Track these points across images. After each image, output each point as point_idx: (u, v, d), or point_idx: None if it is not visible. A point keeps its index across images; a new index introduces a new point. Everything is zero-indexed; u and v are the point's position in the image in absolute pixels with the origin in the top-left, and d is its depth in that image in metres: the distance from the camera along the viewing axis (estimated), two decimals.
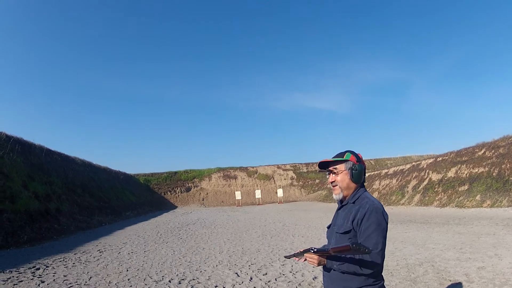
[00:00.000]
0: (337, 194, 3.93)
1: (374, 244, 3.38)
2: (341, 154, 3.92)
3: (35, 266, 14.06)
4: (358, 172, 3.80)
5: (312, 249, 3.63)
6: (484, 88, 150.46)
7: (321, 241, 17.74)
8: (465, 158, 37.97)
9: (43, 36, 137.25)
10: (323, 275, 3.91)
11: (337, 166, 3.90)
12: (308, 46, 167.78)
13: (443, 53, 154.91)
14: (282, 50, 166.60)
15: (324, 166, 4.02)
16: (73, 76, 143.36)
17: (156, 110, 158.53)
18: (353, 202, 3.75)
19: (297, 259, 3.80)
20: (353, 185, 3.84)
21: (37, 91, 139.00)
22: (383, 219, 3.52)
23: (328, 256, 3.58)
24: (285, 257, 4.12)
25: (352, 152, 3.91)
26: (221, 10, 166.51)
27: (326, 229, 4.19)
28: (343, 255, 3.46)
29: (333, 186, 3.96)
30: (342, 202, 3.96)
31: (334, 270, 3.56)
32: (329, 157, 4.00)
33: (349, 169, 3.82)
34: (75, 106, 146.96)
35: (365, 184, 4.00)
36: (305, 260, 3.74)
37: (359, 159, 3.87)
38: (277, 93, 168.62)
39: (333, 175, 3.92)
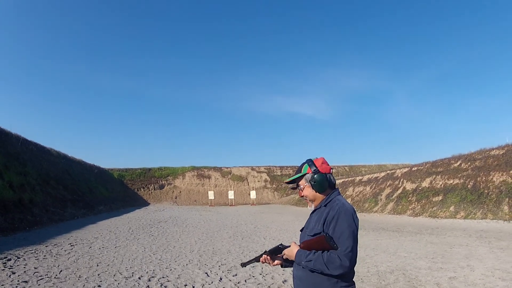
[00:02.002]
0: (310, 206, 3.99)
1: (342, 245, 3.38)
2: (300, 168, 3.96)
3: (6, 257, 14.00)
4: (318, 182, 3.78)
5: (280, 245, 3.81)
6: (462, 102, 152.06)
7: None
8: (441, 169, 38.38)
9: (25, 24, 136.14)
10: (293, 277, 3.91)
11: (299, 183, 3.96)
12: (292, 50, 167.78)
13: (424, 66, 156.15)
14: (265, 52, 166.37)
15: (292, 181, 4.08)
16: (54, 67, 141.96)
17: (134, 105, 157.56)
18: (325, 205, 3.76)
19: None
20: (320, 195, 3.85)
21: (15, 79, 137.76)
22: (353, 221, 3.52)
23: (298, 250, 3.64)
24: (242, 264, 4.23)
25: (309, 162, 3.92)
26: (207, 10, 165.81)
27: (300, 232, 4.18)
28: (312, 250, 3.51)
29: (305, 200, 4.03)
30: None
31: (302, 266, 3.58)
32: (302, 160, 4.02)
33: (309, 182, 3.86)
34: (52, 96, 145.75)
35: (337, 186, 4.00)
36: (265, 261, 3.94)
37: (316, 168, 3.85)
38: (257, 95, 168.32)
39: (300, 191, 3.98)
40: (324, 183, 3.80)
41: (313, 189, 3.83)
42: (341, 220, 3.48)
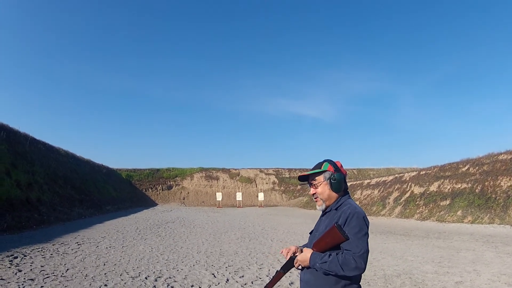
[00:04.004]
0: (320, 206, 3.94)
1: (356, 248, 3.38)
2: (319, 165, 3.93)
3: (13, 255, 14.09)
4: (337, 181, 3.78)
5: (293, 255, 3.79)
6: (470, 106, 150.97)
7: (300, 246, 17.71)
8: (449, 173, 38.20)
9: (31, 24, 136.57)
10: (300, 281, 3.91)
11: (316, 178, 3.91)
12: (296, 52, 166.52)
13: (431, 68, 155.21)
14: (270, 54, 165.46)
15: (304, 178, 4.06)
16: (60, 66, 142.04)
17: (141, 105, 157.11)
18: (336, 209, 3.76)
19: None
20: (334, 195, 3.83)
21: (23, 79, 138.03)
22: (365, 224, 3.53)
23: (312, 253, 3.62)
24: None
25: (330, 161, 3.92)
26: (210, 11, 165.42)
27: (309, 234, 4.16)
28: (326, 250, 3.53)
29: (315, 198, 3.97)
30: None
31: (316, 269, 3.56)
32: (311, 164, 4.00)
33: (327, 179, 3.82)
34: (61, 96, 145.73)
35: (348, 191, 3.99)
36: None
37: (337, 167, 3.86)
38: (263, 97, 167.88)
39: (313, 187, 3.95)
40: (342, 183, 3.82)
41: (330, 187, 3.81)
42: (353, 223, 3.50)
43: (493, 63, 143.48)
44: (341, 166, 3.93)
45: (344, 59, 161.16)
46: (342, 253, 3.43)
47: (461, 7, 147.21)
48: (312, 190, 3.98)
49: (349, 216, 3.53)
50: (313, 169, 3.97)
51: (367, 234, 3.53)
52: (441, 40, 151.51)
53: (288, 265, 3.87)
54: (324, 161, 3.95)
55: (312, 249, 3.67)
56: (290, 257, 3.85)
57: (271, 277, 4.10)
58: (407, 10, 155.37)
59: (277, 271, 3.92)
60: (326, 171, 3.85)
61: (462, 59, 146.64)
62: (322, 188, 3.86)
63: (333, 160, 3.95)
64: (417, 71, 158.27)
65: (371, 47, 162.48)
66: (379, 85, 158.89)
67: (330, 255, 3.47)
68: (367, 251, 3.45)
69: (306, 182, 4.07)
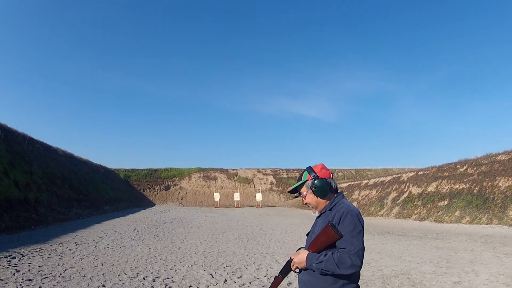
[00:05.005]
0: (314, 213, 4.06)
1: (350, 245, 3.43)
2: (300, 176, 4.03)
3: (11, 255, 14.06)
4: (319, 188, 3.85)
5: (290, 259, 3.84)
6: (469, 106, 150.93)
7: (297, 247, 17.67)
8: (447, 173, 38.20)
9: (30, 22, 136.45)
10: (299, 282, 3.95)
11: (301, 190, 4.03)
12: (297, 52, 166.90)
13: (432, 68, 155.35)
14: (270, 54, 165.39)
15: (295, 190, 4.15)
16: (61, 66, 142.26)
17: (139, 105, 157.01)
18: (330, 209, 3.81)
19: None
20: (322, 200, 3.91)
21: (22, 78, 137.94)
22: (359, 221, 3.57)
23: (308, 254, 3.66)
24: None
25: (308, 169, 3.99)
26: (210, 10, 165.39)
27: (306, 236, 4.21)
28: (322, 249, 3.58)
29: (308, 207, 4.07)
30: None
31: (313, 270, 3.60)
32: (307, 163, 4.07)
33: (309, 188, 3.92)
34: (59, 95, 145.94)
35: (339, 190, 4.06)
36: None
37: (315, 174, 3.92)
38: (262, 96, 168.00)
39: (303, 198, 4.04)
40: (325, 187, 3.86)
41: (314, 194, 3.89)
42: (347, 221, 3.54)
43: (493, 64, 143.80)
44: (323, 168, 4.00)
45: (345, 58, 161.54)
46: (337, 252, 3.47)
47: (462, 7, 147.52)
48: (303, 201, 4.08)
49: (343, 214, 3.59)
50: (296, 182, 4.09)
51: (361, 232, 3.57)
52: (442, 41, 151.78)
53: (286, 269, 3.93)
54: (304, 170, 4.04)
55: (308, 250, 3.72)
56: (288, 260, 3.91)
57: (270, 283, 4.15)
58: (408, 10, 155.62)
59: (275, 276, 4.00)
60: (306, 181, 3.95)
61: (463, 59, 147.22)
62: (309, 198, 3.97)
63: (312, 166, 4.03)
64: (417, 71, 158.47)
65: (372, 47, 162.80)
66: (380, 85, 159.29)
67: (325, 254, 3.51)
68: (363, 249, 3.49)
69: (298, 194, 4.15)
